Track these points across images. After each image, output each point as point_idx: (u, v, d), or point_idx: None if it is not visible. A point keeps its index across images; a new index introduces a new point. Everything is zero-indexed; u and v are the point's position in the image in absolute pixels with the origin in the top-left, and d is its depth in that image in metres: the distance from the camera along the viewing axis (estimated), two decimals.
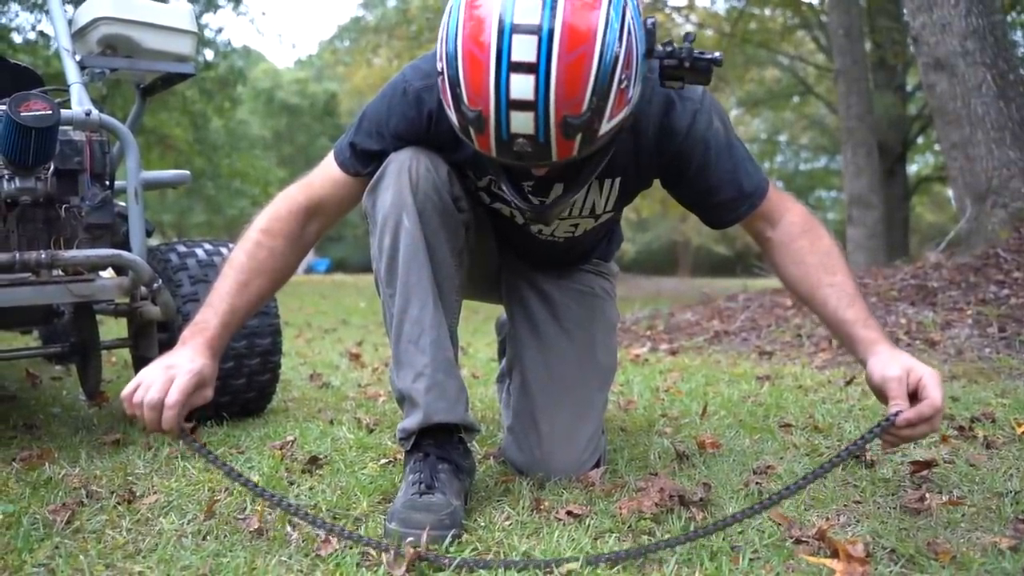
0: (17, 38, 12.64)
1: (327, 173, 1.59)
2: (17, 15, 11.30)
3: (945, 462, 1.74)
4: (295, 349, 4.50)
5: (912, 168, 15.95)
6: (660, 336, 4.59)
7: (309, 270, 36.34)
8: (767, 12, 13.02)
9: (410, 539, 1.26)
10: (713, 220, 1.59)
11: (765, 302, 4.91)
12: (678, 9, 13.81)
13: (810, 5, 12.00)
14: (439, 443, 1.49)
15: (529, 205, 1.41)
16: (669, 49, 1.29)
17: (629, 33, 1.20)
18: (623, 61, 1.19)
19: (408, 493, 1.40)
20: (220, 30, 14.62)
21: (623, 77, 1.20)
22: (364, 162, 1.56)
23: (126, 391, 1.36)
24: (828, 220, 31.48)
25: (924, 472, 1.65)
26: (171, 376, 1.35)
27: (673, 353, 3.87)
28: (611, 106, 1.21)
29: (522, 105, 1.16)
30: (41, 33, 12.91)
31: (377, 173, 1.51)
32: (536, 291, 1.84)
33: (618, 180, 1.57)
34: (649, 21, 1.28)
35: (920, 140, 13.84)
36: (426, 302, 1.48)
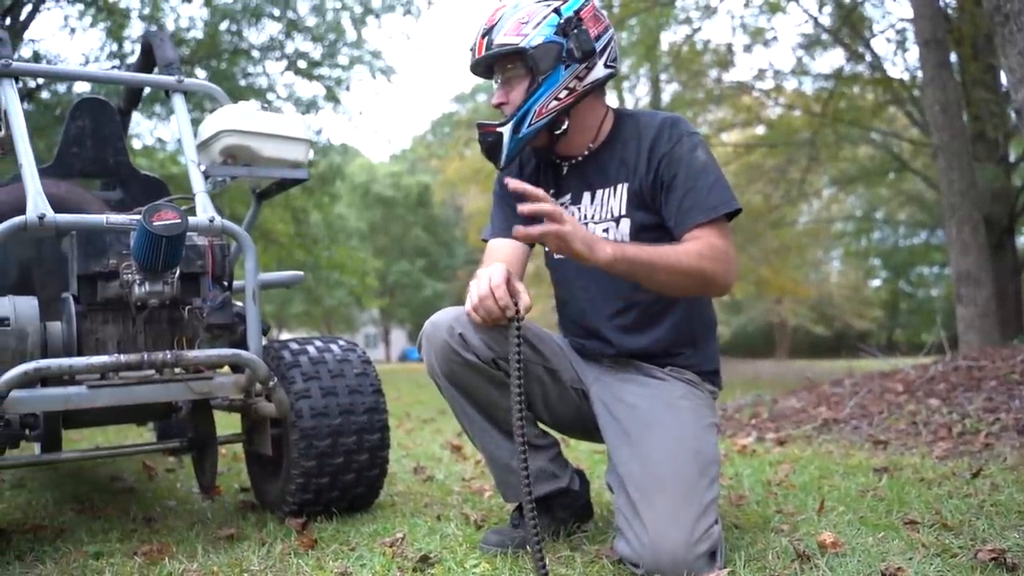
0: (137, 144, 13.58)
1: (487, 250, 2.07)
2: (139, 124, 12.15)
3: None
4: (397, 440, 4.53)
5: (1021, 240, 15.30)
6: (765, 424, 4.45)
7: (403, 358, 36.87)
8: (856, 90, 12.91)
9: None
10: (675, 223, 1.85)
11: (874, 387, 4.72)
12: (767, 92, 13.83)
13: (901, 81, 11.84)
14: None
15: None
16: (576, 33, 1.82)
17: (544, 12, 1.82)
18: (524, 12, 1.83)
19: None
20: (320, 130, 15.33)
21: (522, 17, 1.83)
22: (496, 225, 2.07)
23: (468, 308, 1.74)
24: (933, 297, 30.35)
25: None
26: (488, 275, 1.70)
27: (781, 443, 3.74)
28: (504, 29, 1.83)
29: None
30: (158, 139, 13.83)
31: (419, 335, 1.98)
32: (624, 404, 1.91)
33: (625, 185, 1.92)
34: (581, 32, 1.81)
35: None
36: (484, 430, 1.97)
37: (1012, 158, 11.56)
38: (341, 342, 2.47)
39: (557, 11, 1.83)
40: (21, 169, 2.06)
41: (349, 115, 29.40)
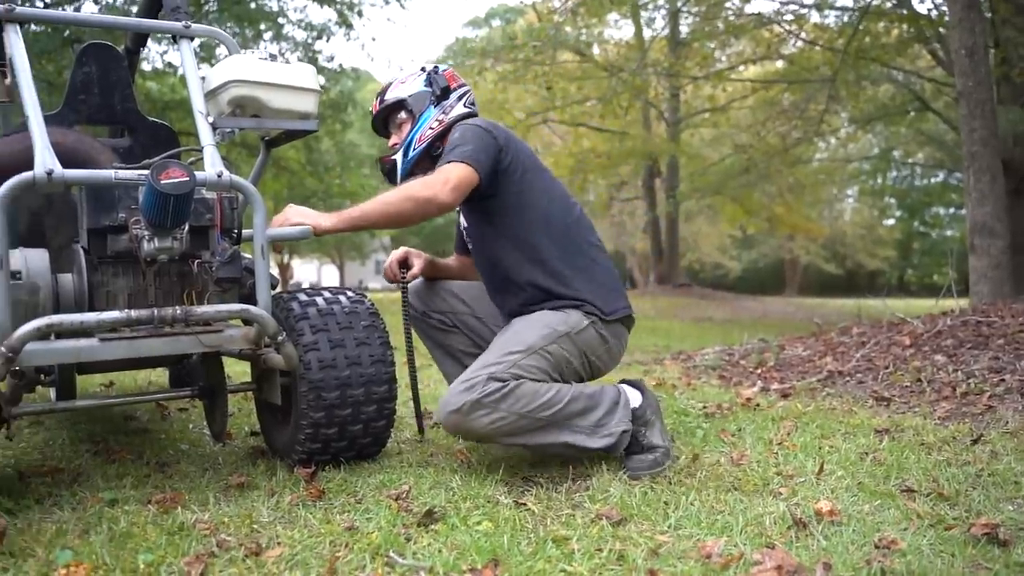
0: (147, 66, 13.41)
1: None
2: (149, 50, 11.98)
3: None
4: (402, 380, 4.58)
5: None
6: (770, 374, 4.48)
7: None
8: (881, 26, 12.57)
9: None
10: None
11: (881, 339, 4.73)
12: (788, 25, 13.50)
13: (928, 18, 11.50)
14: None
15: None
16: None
17: (417, 73, 2.65)
18: (403, 76, 2.67)
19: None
20: (332, 57, 15.12)
21: (402, 79, 2.65)
22: (455, 244, 3.05)
23: None
24: (947, 237, 30.09)
25: None
26: (393, 253, 2.88)
27: (784, 396, 3.77)
28: (391, 90, 2.64)
29: None
30: (168, 63, 13.67)
31: None
32: (507, 329, 2.50)
33: None
34: (436, 85, 2.60)
35: None
36: (440, 360, 2.90)
37: None
38: (349, 293, 2.48)
39: (425, 72, 2.62)
40: (28, 120, 2.03)
41: (362, 42, 28.91)
